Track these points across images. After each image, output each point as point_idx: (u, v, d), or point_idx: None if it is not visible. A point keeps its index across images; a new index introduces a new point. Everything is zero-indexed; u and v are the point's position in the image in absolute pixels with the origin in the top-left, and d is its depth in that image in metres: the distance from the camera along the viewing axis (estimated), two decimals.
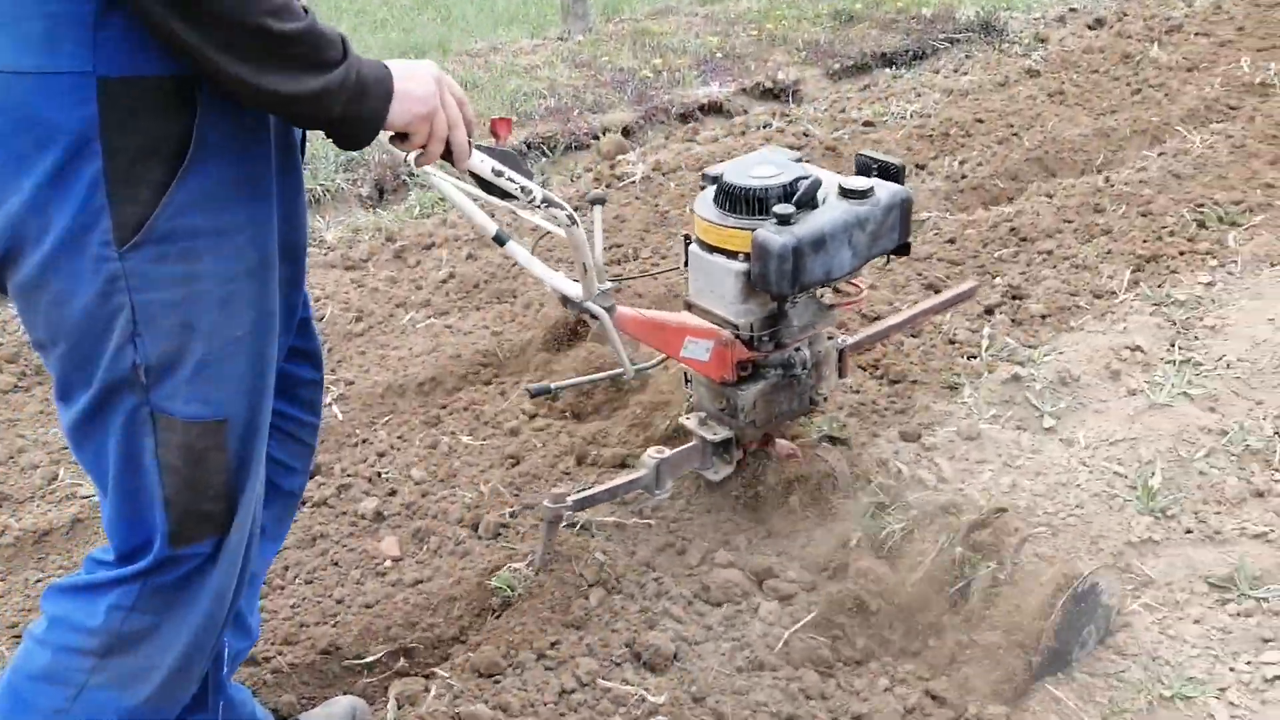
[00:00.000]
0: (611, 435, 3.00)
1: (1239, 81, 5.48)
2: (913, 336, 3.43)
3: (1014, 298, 3.62)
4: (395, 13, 7.86)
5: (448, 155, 1.67)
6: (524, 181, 1.94)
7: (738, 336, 2.43)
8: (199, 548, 1.54)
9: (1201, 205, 4.10)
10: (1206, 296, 3.59)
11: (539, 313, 3.66)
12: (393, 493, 2.91)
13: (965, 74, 6.01)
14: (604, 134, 5.30)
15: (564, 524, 2.57)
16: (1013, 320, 3.48)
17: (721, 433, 2.58)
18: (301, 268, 1.71)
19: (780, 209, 2.27)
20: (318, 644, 2.41)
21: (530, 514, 2.76)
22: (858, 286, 2.60)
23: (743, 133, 5.33)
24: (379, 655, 2.41)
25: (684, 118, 5.62)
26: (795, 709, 2.21)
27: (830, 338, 2.68)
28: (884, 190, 2.40)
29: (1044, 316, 3.49)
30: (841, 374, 2.76)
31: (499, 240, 2.15)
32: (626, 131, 5.38)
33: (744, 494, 2.72)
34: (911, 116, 5.28)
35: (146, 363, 1.41)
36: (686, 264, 2.52)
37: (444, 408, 3.26)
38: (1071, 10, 7.11)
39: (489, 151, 1.88)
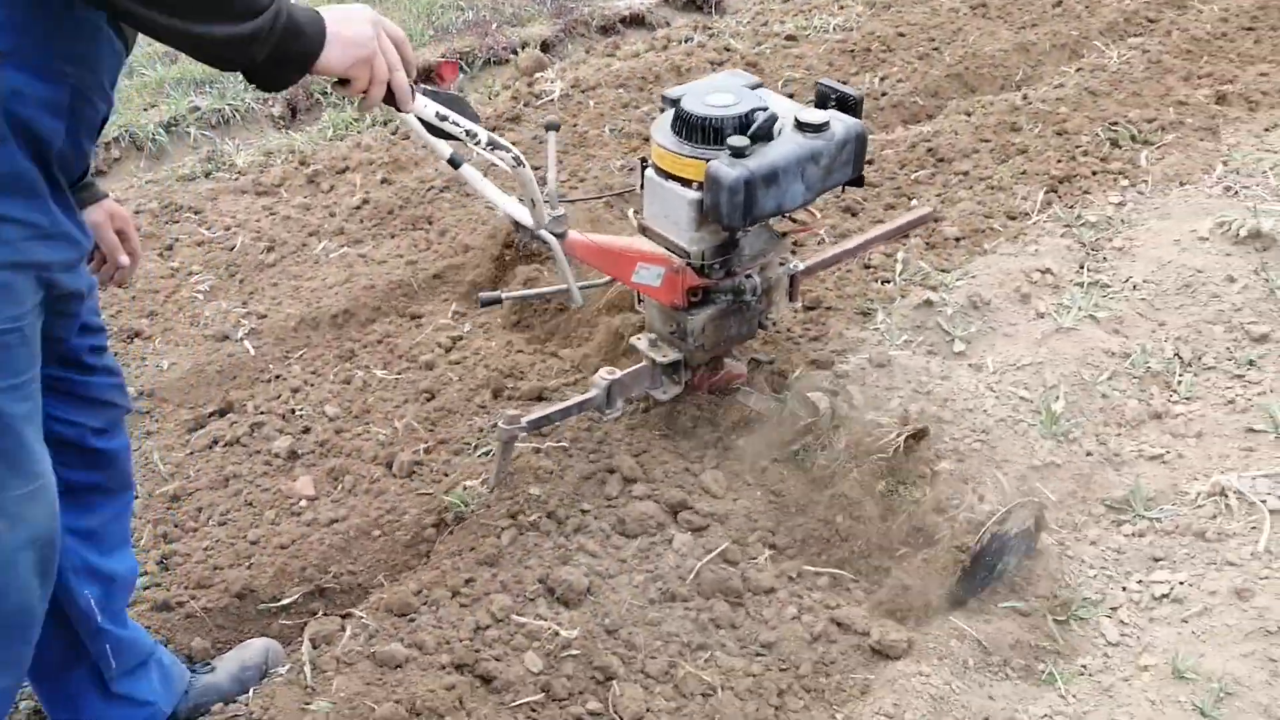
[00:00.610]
0: (528, 369, 3.00)
1: None
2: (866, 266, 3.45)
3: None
4: None
5: (390, 99, 1.68)
6: (469, 125, 1.95)
7: (689, 263, 2.45)
8: None
9: (1115, 124, 4.13)
10: (1117, 217, 3.64)
11: (454, 240, 3.61)
12: (306, 430, 2.89)
13: None
14: (522, 49, 5.19)
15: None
16: (927, 244, 3.51)
17: (671, 355, 2.62)
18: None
19: (735, 141, 2.28)
20: (231, 587, 2.41)
21: (444, 449, 2.76)
22: (812, 214, 2.64)
23: (664, 47, 5.24)
24: (295, 597, 2.42)
25: (605, 30, 5.52)
26: (705, 638, 2.27)
27: (782, 263, 2.70)
28: (839, 124, 2.41)
29: (958, 239, 3.52)
30: (792, 298, 2.79)
31: (453, 163, 2.13)
32: (545, 46, 5.27)
33: (673, 420, 2.75)
34: (834, 30, 5.22)
35: None
36: (642, 187, 2.53)
37: (358, 341, 3.22)
38: None
39: (433, 95, 1.89)
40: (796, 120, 2.40)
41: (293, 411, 2.95)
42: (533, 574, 2.36)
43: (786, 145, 2.34)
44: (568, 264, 2.36)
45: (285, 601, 2.41)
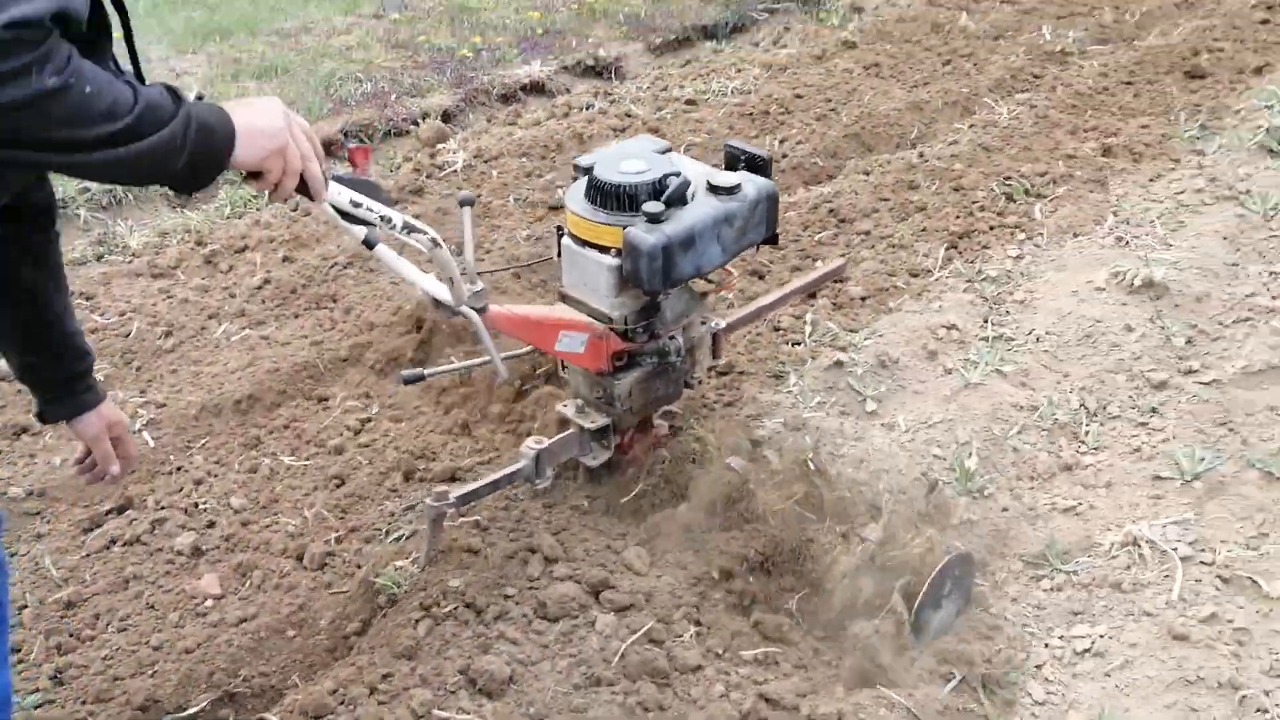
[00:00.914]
0: (440, 449, 2.94)
1: (1041, 50, 5.70)
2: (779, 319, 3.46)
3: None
4: None
5: (303, 189, 1.67)
6: (384, 210, 1.94)
7: (612, 328, 2.45)
8: None
9: (1009, 178, 4.25)
10: (1016, 270, 3.73)
11: (360, 318, 3.54)
12: (211, 524, 2.78)
13: (784, 46, 6.08)
14: (423, 119, 5.16)
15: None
16: (834, 304, 3.54)
17: (599, 420, 2.59)
18: None
19: (650, 207, 2.29)
20: (134, 699, 2.29)
21: (356, 537, 2.68)
22: (729, 273, 2.66)
23: (565, 114, 5.27)
24: (202, 705, 2.30)
25: (506, 99, 5.52)
26: None
27: (704, 321, 2.71)
28: (750, 185, 2.45)
29: (864, 299, 3.56)
30: (716, 355, 2.80)
31: (369, 244, 2.09)
32: (446, 116, 5.25)
33: (594, 494, 2.71)
34: (732, 94, 5.30)
35: None
36: (559, 255, 2.52)
37: (263, 427, 3.13)
38: None
39: (347, 182, 1.87)
40: (709, 183, 2.42)
41: (196, 505, 2.84)
42: (453, 665, 2.28)
43: (701, 208, 2.37)
44: (490, 338, 2.32)
45: (192, 710, 2.29)
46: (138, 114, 1.39)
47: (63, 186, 4.58)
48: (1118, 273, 3.54)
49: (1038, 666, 2.36)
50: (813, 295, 3.53)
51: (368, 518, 2.73)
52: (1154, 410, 3.04)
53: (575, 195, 2.46)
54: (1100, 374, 3.19)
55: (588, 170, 2.45)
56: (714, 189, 2.41)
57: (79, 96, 1.33)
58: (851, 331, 3.39)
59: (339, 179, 1.85)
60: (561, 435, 2.61)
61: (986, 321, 3.43)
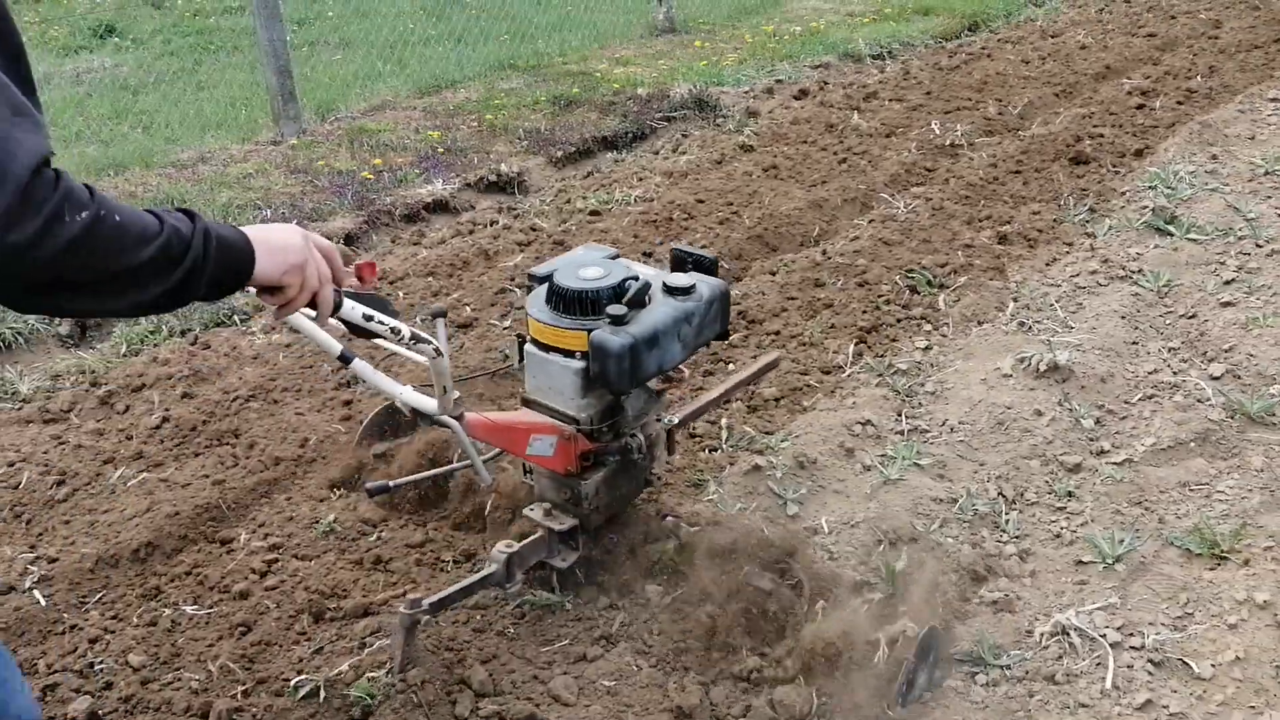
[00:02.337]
0: (351, 586, 2.82)
1: (932, 144, 5.87)
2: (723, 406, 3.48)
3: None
4: (91, 124, 7.35)
5: (311, 306, 1.73)
6: (393, 323, 2.02)
7: (579, 430, 2.51)
8: None
9: (911, 270, 4.32)
10: (925, 361, 3.76)
11: (265, 452, 3.42)
12: (108, 686, 2.60)
13: (684, 153, 6.17)
14: None
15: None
16: (749, 408, 3.53)
17: (567, 522, 2.63)
18: None
19: (614, 310, 2.38)
20: None
21: (265, 690, 2.53)
22: (680, 372, 2.75)
23: (470, 230, 5.25)
24: None
25: (409, 218, 5.49)
26: None
27: (659, 419, 2.77)
28: (704, 285, 2.56)
29: (778, 399, 3.55)
30: (670, 451, 2.86)
31: (344, 359, 2.20)
32: (350, 239, 5.19)
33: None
34: (635, 201, 5.35)
35: None
36: (521, 361, 2.59)
37: (163, 575, 2.97)
38: (778, 81, 7.46)
39: (358, 298, 1.94)
40: (665, 285, 2.53)
41: (91, 666, 2.67)
42: None
43: (661, 309, 2.46)
44: (470, 443, 2.40)
45: None
46: (167, 235, 1.37)
47: None
48: (1023, 358, 3.59)
49: None
50: (750, 385, 3.52)
51: (275, 667, 2.59)
52: (1070, 494, 3.05)
53: (535, 303, 2.53)
54: (1015, 460, 3.20)
55: (545, 279, 2.52)
56: (670, 290, 2.52)
57: (111, 226, 1.30)
58: (768, 434, 3.37)
59: (350, 295, 1.91)
60: (531, 538, 2.64)
61: (900, 415, 3.44)
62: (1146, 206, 4.73)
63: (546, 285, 2.51)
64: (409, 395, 2.35)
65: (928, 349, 3.84)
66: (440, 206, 5.62)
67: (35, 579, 2.98)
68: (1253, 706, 2.33)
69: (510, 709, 2.42)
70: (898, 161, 5.61)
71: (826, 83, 7.39)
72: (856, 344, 3.86)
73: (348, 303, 1.89)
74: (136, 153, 6.46)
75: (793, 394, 3.59)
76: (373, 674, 2.50)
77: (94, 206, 1.27)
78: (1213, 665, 2.44)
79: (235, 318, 4.45)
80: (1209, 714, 2.32)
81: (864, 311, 4.06)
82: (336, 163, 6.09)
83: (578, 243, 4.81)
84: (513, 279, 4.57)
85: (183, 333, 4.37)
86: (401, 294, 4.54)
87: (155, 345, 4.29)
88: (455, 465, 2.95)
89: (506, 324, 4.26)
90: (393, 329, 2.01)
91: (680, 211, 5.12)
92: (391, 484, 2.77)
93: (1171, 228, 4.48)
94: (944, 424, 3.39)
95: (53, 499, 3.36)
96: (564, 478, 2.59)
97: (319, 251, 1.67)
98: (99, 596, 2.93)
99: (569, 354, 2.46)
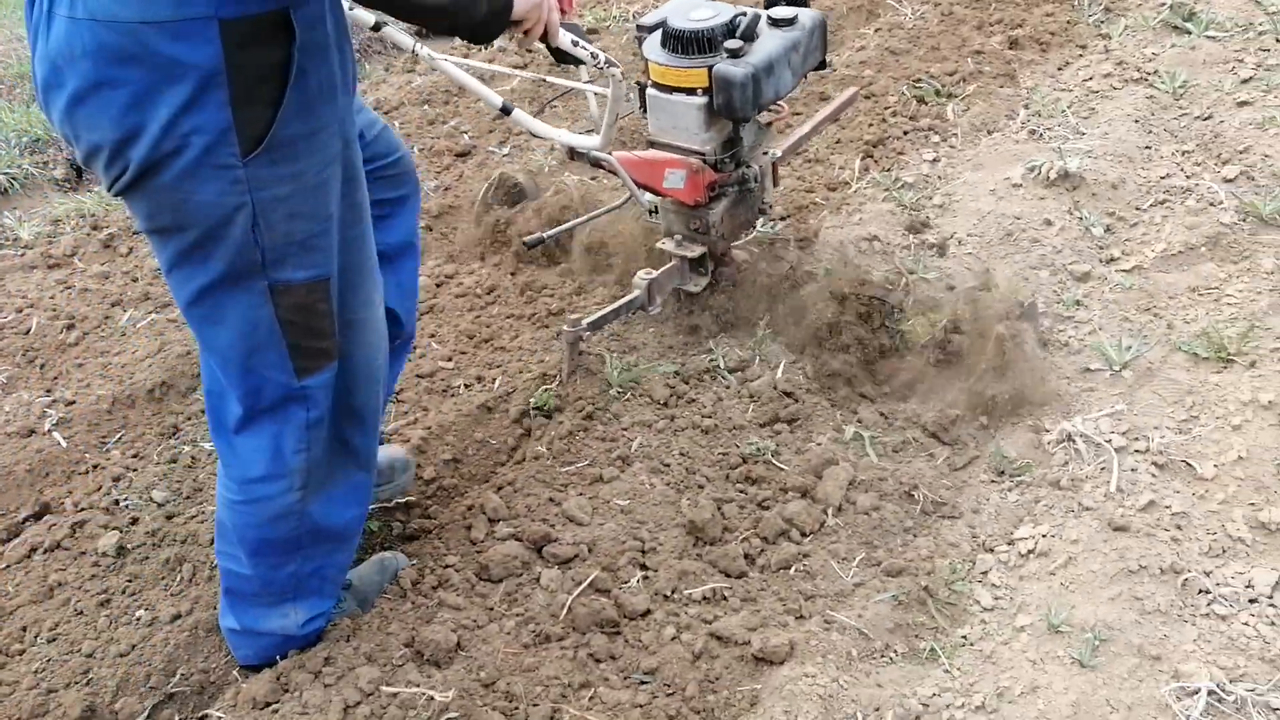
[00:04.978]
0: None
1: None
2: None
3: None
4: None
5: (543, 35, 2.03)
6: (592, 48, 2.27)
7: (705, 162, 2.75)
8: (319, 378, 1.92)
9: (919, 80, 4.19)
10: (933, 174, 3.69)
11: None
12: (135, 521, 2.68)
13: None
14: None
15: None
16: None
17: (696, 250, 2.93)
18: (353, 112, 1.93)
19: (730, 44, 2.60)
20: (70, 711, 2.21)
21: None
22: (781, 106, 2.94)
23: (465, 54, 5.10)
24: (145, 711, 2.23)
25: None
26: (587, 675, 2.19)
27: (765, 152, 2.99)
28: (805, 15, 2.77)
29: (784, 218, 3.51)
30: (775, 183, 3.09)
31: (505, 110, 2.40)
32: None
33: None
34: (633, 19, 5.16)
35: (264, 249, 1.75)
36: (643, 107, 2.81)
37: (180, 414, 3.02)
38: None
39: (565, 26, 2.16)
40: (769, 18, 2.72)
41: (117, 503, 2.74)
42: (396, 639, 2.24)
43: (771, 40, 2.67)
44: (627, 173, 2.75)
45: (133, 716, 2.22)
46: None
47: None
48: (1033, 167, 3.51)
49: (984, 573, 2.36)
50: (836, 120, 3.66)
51: None
52: (1078, 303, 3.04)
53: (653, 48, 2.73)
54: (1024, 271, 3.18)
55: (656, 26, 2.74)
56: (775, 22, 2.73)
57: None
58: None
59: (563, 24, 2.13)
60: (666, 267, 2.94)
61: (908, 230, 3.40)
62: (1164, 3, 4.53)
63: (660, 32, 2.70)
64: (568, 137, 2.62)
65: (935, 161, 3.76)
66: None
67: (54, 421, 3.04)
68: (1252, 504, 2.37)
69: (525, 530, 2.48)
70: None
71: None
72: (863, 159, 3.78)
73: (561, 31, 2.12)
74: None
75: (798, 212, 3.54)
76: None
77: None
78: (1215, 465, 2.47)
79: None
80: (1210, 512, 2.36)
81: (870, 125, 3.96)
82: None
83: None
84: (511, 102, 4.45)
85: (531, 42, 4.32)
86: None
87: None
88: (598, 211, 3.17)
89: (505, 151, 4.18)
90: (592, 53, 2.27)
91: None
92: (546, 235, 3.08)
93: (1189, 25, 4.31)
94: (952, 237, 3.35)
95: (64, 343, 3.39)
96: (692, 209, 2.84)
97: None
98: (118, 436, 2.99)
99: (690, 91, 2.67)
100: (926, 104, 4.08)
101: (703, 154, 2.75)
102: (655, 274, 2.89)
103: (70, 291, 3.62)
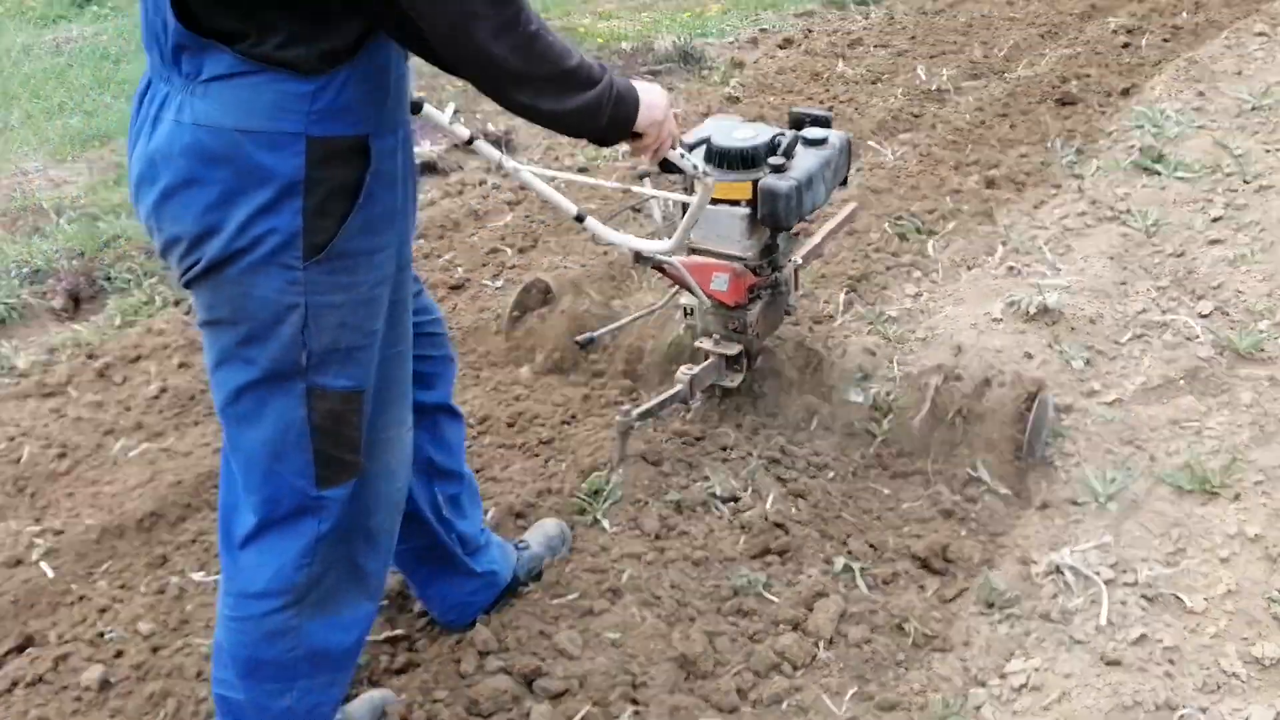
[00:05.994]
0: None
1: (918, 90, 5.85)
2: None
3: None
4: (73, 94, 7.30)
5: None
6: (692, 158, 2.47)
7: (747, 267, 2.97)
8: (339, 491, 1.93)
9: (900, 218, 4.32)
10: (916, 308, 3.78)
11: None
12: (119, 654, 2.65)
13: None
14: None
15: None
16: None
17: (734, 348, 3.14)
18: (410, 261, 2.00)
19: (774, 161, 2.82)
20: None
21: None
22: (812, 219, 3.20)
23: (460, 191, 5.24)
24: None
25: None
26: None
27: (789, 259, 3.21)
28: (834, 136, 3.02)
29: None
30: (798, 286, 3.35)
31: (579, 218, 2.54)
32: None
33: None
34: (623, 157, 5.33)
35: (310, 351, 1.80)
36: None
37: (169, 544, 3.00)
38: (763, 31, 7.42)
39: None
40: (802, 139, 2.94)
41: (101, 635, 2.71)
42: None
43: (808, 158, 2.90)
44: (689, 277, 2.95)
45: None
46: (579, 60, 1.76)
47: None
48: (1013, 302, 3.61)
49: (977, 708, 2.35)
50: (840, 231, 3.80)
51: None
52: (1061, 435, 3.08)
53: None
54: None
55: (698, 145, 2.91)
56: (809, 142, 2.95)
57: (546, 41, 1.70)
58: None
59: None
60: (705, 363, 3.14)
61: (892, 362, 3.46)
62: (1134, 146, 4.73)
63: (705, 149, 2.90)
64: (636, 243, 2.79)
65: (918, 295, 3.86)
66: (428, 168, 5.60)
67: (42, 551, 3.01)
68: (1244, 638, 2.38)
69: (515, 662, 2.46)
70: (884, 108, 5.60)
71: (811, 31, 7.35)
72: (847, 293, 3.87)
73: None
74: (121, 124, 6.41)
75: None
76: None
77: (536, 18, 1.69)
78: (1205, 599, 2.49)
79: None
80: (1202, 646, 2.37)
81: (854, 260, 4.07)
82: None
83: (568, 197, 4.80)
84: (503, 238, 4.57)
85: (176, 303, 4.37)
86: None
87: (149, 316, 4.29)
88: (643, 311, 3.38)
89: (499, 284, 4.27)
90: (693, 164, 2.45)
91: None
92: (595, 334, 3.24)
93: (1159, 166, 4.48)
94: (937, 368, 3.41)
95: (55, 472, 3.38)
96: (731, 310, 3.05)
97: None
98: (106, 566, 2.96)
99: (734, 203, 2.88)
100: (908, 240, 4.20)
101: (744, 259, 2.96)
102: (696, 370, 3.09)
103: (64, 420, 3.63)
